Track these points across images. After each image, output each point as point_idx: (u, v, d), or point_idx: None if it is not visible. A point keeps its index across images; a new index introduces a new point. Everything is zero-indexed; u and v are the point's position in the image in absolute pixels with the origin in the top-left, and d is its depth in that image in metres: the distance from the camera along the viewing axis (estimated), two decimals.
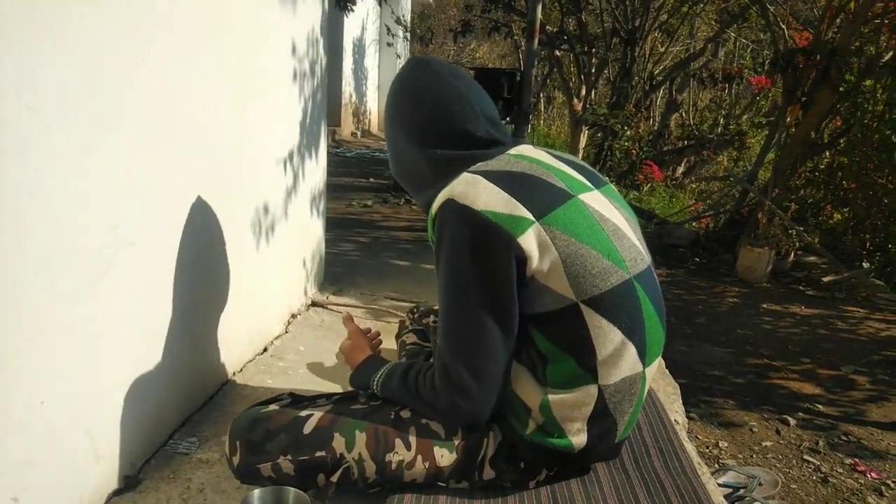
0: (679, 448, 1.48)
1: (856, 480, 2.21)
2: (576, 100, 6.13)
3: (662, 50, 7.40)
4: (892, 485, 2.19)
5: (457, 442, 1.26)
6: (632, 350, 1.22)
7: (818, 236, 4.77)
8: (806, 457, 2.33)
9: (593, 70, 6.20)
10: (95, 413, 1.34)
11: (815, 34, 4.51)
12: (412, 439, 1.25)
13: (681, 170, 7.87)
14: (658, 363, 1.34)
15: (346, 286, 2.95)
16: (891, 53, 4.46)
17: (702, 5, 6.43)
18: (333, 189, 3.51)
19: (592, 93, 6.39)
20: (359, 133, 10.05)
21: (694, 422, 2.51)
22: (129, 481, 1.45)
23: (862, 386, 2.91)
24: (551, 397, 1.21)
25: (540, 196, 1.19)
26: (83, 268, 1.24)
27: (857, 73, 4.54)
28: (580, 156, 6.03)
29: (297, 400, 1.36)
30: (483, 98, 1.32)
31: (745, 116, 7.61)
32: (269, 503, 1.22)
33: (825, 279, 4.34)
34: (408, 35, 9.47)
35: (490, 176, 1.20)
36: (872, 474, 2.23)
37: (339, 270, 3.13)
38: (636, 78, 6.51)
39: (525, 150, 1.31)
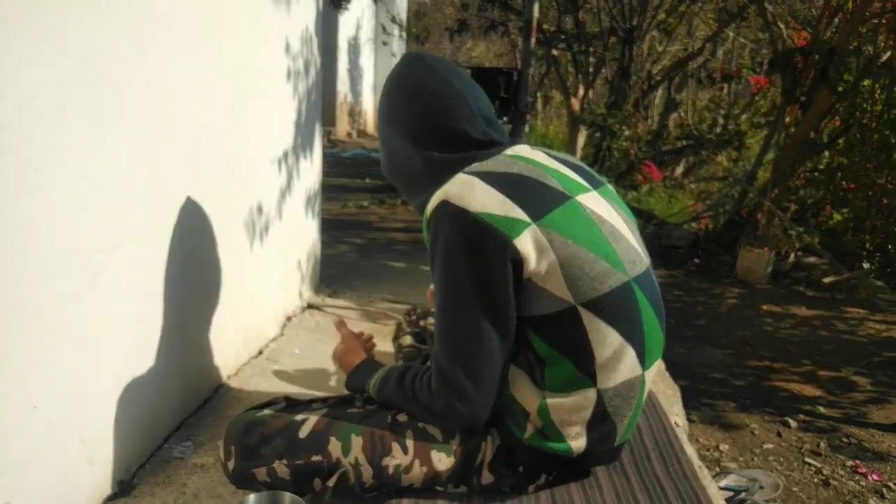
0: (679, 451, 1.47)
1: (857, 483, 2.19)
2: (573, 99, 6.13)
3: (661, 49, 7.39)
4: (893, 487, 2.18)
5: (454, 446, 1.25)
6: (631, 353, 1.20)
7: (818, 237, 4.76)
8: (807, 459, 2.32)
9: (591, 69, 6.19)
10: (90, 417, 1.33)
11: (814, 34, 4.50)
12: (409, 443, 1.24)
13: (680, 170, 7.85)
14: (658, 366, 1.33)
15: (342, 288, 2.94)
16: (889, 53, 4.45)
17: (700, 4, 6.42)
18: (329, 190, 3.49)
19: (590, 92, 6.39)
20: (354, 133, 10.02)
21: (694, 424, 2.49)
22: (124, 486, 1.44)
23: (863, 387, 2.89)
24: (549, 401, 1.20)
25: (536, 198, 1.18)
26: (83, 268, 1.24)
27: (856, 72, 4.54)
28: (578, 156, 6.02)
29: (293, 404, 1.34)
30: (479, 95, 1.30)
31: (743, 116, 7.59)
32: None
33: (825, 280, 4.33)
34: (403, 34, 9.44)
35: (486, 177, 1.18)
36: (874, 476, 2.22)
37: (334, 272, 3.12)
38: (634, 77, 6.49)
39: (522, 150, 1.29)
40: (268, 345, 2.25)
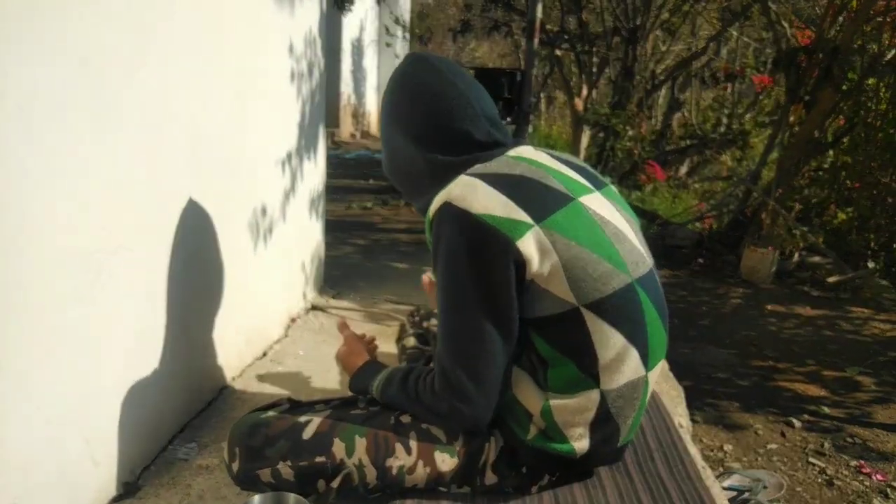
0: (683, 451, 1.46)
1: (861, 483, 2.19)
2: (577, 99, 6.12)
3: (664, 49, 7.38)
4: None
5: (458, 447, 1.25)
6: (634, 354, 1.20)
7: (822, 236, 4.74)
8: (811, 459, 2.31)
9: (594, 69, 6.18)
10: (92, 417, 1.33)
11: (818, 32, 4.49)
12: (413, 444, 1.24)
13: (683, 170, 7.83)
14: (661, 366, 1.33)
15: (346, 290, 2.94)
16: (893, 52, 4.43)
17: (703, 4, 6.41)
18: (332, 191, 3.49)
19: (594, 92, 6.38)
20: (358, 134, 10.02)
21: (698, 424, 2.49)
22: (129, 488, 1.44)
23: (867, 387, 2.88)
24: (552, 402, 1.20)
25: (539, 199, 1.18)
26: (83, 268, 1.24)
27: (860, 71, 4.52)
28: (582, 156, 6.01)
29: (297, 405, 1.35)
30: (482, 96, 1.30)
31: (747, 116, 7.57)
32: None
33: (830, 279, 4.31)
34: (407, 35, 9.45)
35: (488, 179, 1.18)
36: (878, 476, 2.21)
37: (338, 274, 3.12)
38: (638, 77, 6.48)
39: (525, 151, 1.29)
40: (272, 346, 2.25)
